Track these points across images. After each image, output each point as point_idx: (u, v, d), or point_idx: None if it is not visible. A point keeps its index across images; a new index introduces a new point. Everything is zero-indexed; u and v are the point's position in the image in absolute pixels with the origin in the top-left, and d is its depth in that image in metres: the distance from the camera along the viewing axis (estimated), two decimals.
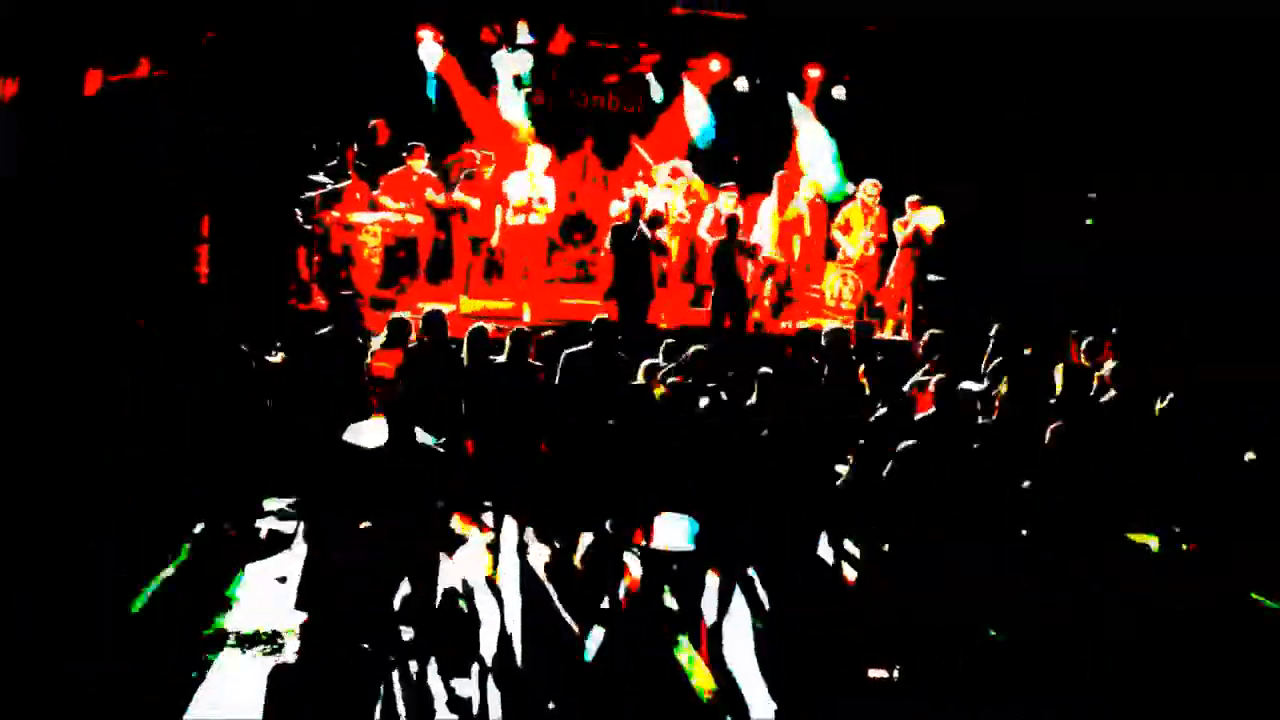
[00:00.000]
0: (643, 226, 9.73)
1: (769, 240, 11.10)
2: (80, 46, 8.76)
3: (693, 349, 7.12)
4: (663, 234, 10.25)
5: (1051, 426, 6.29)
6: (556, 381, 7.23)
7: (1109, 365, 7.46)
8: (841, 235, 11.23)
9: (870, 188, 11.15)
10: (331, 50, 11.29)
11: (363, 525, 5.76)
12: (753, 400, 6.66)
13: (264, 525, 7.29)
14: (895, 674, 5.82)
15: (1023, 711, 5.44)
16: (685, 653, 6.14)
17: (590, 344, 7.31)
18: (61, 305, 8.06)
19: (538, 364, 7.17)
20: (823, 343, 8.03)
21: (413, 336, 7.49)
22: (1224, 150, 11.73)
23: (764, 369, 6.87)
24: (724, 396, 6.50)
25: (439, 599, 6.20)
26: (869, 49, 12.66)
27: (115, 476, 7.28)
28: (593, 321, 7.48)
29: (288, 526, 7.25)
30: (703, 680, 5.90)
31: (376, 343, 7.57)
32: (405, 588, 5.98)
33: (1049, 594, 6.02)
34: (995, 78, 12.35)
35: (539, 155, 10.57)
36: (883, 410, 6.54)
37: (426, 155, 10.75)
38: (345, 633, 5.71)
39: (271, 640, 5.87)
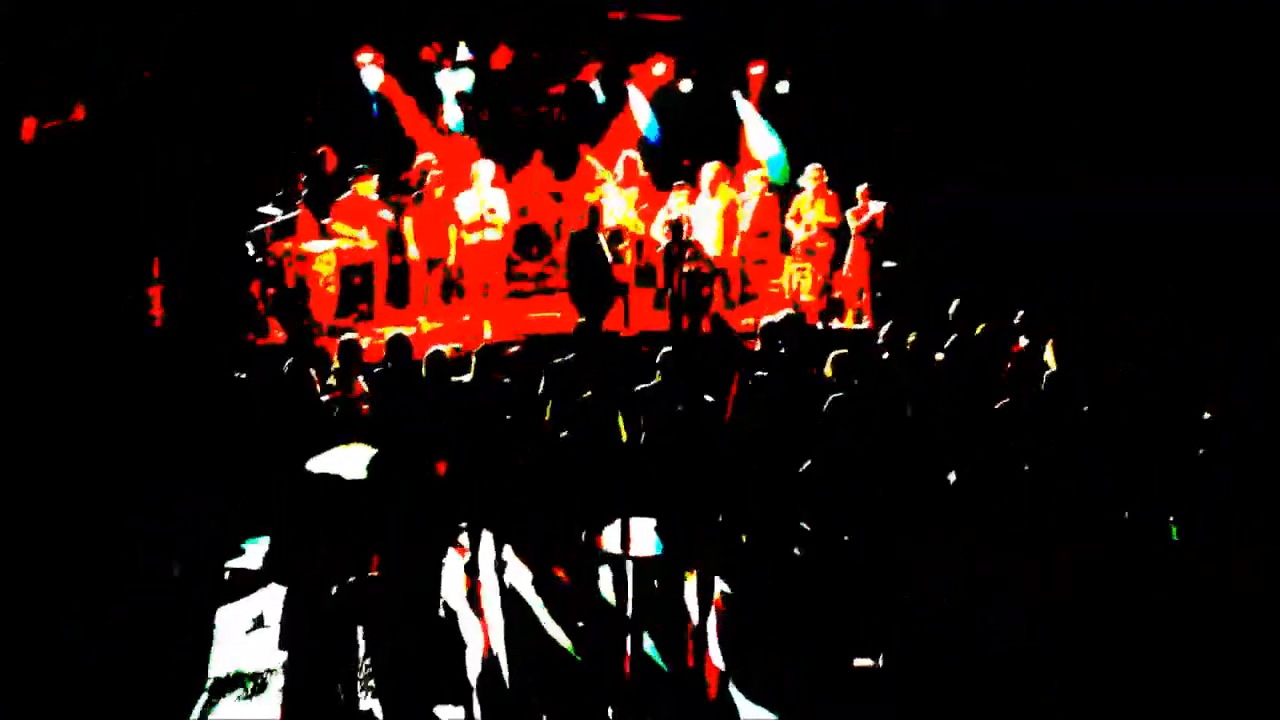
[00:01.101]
0: (601, 237, 9.73)
1: (709, 238, 11.01)
2: (15, 94, 8.64)
3: (663, 352, 7.15)
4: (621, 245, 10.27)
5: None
6: (540, 393, 7.21)
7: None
8: (794, 224, 11.21)
9: (814, 172, 11.11)
10: (273, 81, 11.18)
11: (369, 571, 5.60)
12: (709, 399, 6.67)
13: (234, 564, 7.21)
14: (880, 663, 5.85)
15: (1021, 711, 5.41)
16: (669, 654, 6.16)
17: (573, 354, 7.29)
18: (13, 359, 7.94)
19: (505, 380, 7.14)
20: (758, 337, 8.07)
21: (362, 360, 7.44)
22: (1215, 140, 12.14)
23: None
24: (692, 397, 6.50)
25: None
26: (810, 44, 12.76)
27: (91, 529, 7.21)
28: (575, 329, 7.44)
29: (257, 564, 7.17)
30: (689, 679, 5.92)
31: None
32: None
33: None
34: (934, 66, 12.54)
35: (485, 169, 10.57)
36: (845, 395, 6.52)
37: (375, 178, 10.67)
38: (331, 668, 5.64)
39: (255, 680, 5.82)
